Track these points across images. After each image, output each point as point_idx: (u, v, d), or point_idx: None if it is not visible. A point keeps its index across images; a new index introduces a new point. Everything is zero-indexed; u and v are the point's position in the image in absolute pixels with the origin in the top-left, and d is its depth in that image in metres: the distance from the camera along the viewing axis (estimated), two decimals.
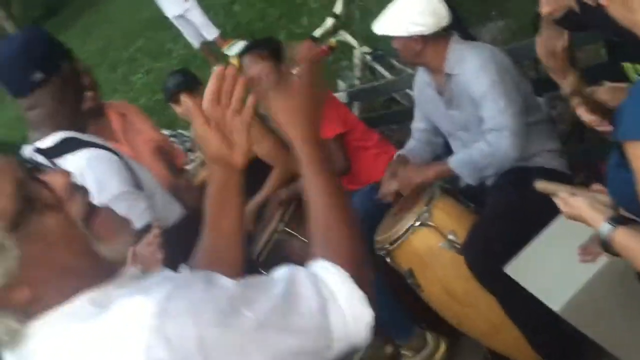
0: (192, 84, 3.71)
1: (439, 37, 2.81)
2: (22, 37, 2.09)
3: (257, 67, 3.33)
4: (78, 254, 1.05)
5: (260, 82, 1.15)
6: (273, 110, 1.27)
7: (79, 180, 1.78)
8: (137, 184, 2.05)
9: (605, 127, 2.03)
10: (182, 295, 0.98)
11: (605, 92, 1.99)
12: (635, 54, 2.16)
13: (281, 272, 1.10)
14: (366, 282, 1.12)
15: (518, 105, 2.70)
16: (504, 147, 2.67)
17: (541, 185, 1.98)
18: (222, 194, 1.34)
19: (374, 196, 3.17)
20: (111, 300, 1.00)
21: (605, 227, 1.55)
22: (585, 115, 2.07)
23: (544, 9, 2.29)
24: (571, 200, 1.70)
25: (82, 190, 1.12)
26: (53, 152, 2.01)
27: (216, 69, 1.28)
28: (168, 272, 1.09)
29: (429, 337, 3.18)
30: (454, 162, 2.79)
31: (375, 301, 1.12)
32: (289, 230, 3.19)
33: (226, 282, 1.04)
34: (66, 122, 2.08)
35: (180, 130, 4.13)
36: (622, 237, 1.51)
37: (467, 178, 2.76)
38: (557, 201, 1.76)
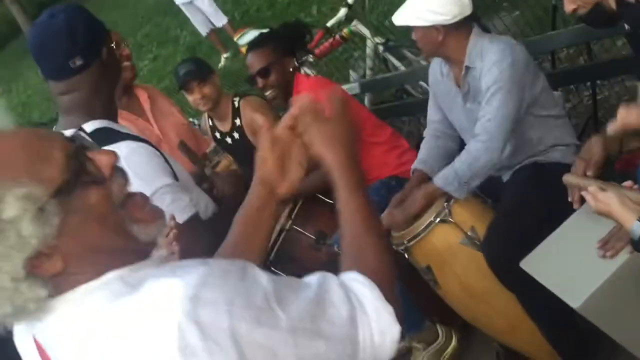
0: (204, 72, 3.68)
1: (461, 28, 2.77)
2: (64, 18, 1.93)
3: (256, 65, 3.36)
4: (113, 232, 1.06)
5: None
6: (312, 135, 1.31)
7: None
8: (176, 177, 2.00)
9: None
10: (217, 284, 0.97)
11: (624, 115, 1.96)
12: None
13: (313, 277, 1.11)
14: (394, 299, 1.13)
15: (512, 108, 2.65)
16: (481, 153, 2.63)
17: (569, 178, 1.96)
18: (258, 216, 1.37)
19: (383, 192, 3.15)
20: (143, 280, 1.00)
21: (636, 226, 1.54)
22: None
23: (568, 7, 2.27)
24: (601, 196, 1.69)
25: (122, 173, 1.14)
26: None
27: (304, 100, 1.33)
28: (201, 259, 1.08)
29: (441, 330, 3.17)
30: (440, 181, 2.75)
31: (402, 318, 1.12)
32: (297, 228, 3.17)
33: (261, 277, 1.04)
34: (101, 109, 2.00)
35: (190, 119, 4.11)
36: None
37: (454, 193, 2.72)
38: (586, 196, 1.75)
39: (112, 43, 2.05)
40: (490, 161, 2.65)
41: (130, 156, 1.87)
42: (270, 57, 3.37)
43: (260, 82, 3.37)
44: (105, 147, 1.85)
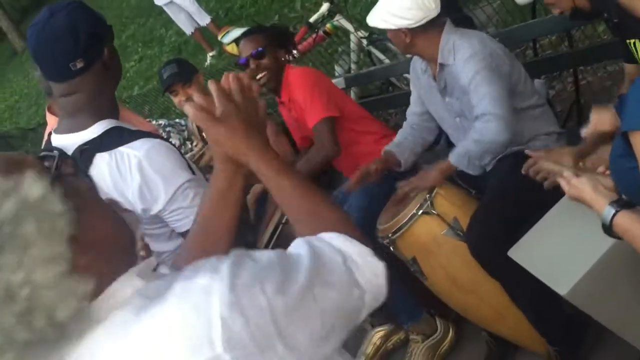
0: (187, 74, 3.68)
1: (429, 29, 2.79)
2: (65, 17, 1.85)
3: (250, 48, 3.38)
4: (122, 232, 1.11)
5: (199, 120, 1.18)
6: (216, 145, 1.30)
7: (139, 172, 1.81)
8: (193, 171, 1.96)
9: None
10: (242, 271, 0.99)
11: (596, 118, 1.98)
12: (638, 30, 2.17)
13: (296, 243, 1.14)
14: (365, 240, 1.17)
15: (502, 92, 2.68)
16: (491, 131, 2.65)
17: (545, 164, 1.98)
18: (225, 195, 1.36)
19: (369, 186, 3.18)
20: (163, 289, 1.00)
21: (607, 211, 1.57)
22: None
23: (554, 10, 2.36)
24: (574, 181, 1.71)
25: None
26: (101, 144, 1.89)
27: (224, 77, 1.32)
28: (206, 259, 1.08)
29: (439, 323, 3.20)
30: (454, 158, 2.77)
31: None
32: None
33: (265, 254, 1.06)
34: (106, 109, 1.96)
35: (177, 120, 4.10)
36: (624, 220, 1.53)
37: (469, 170, 2.74)
38: (561, 181, 1.77)
39: (113, 40, 2.01)
40: (499, 138, 2.66)
41: (149, 154, 1.86)
42: (264, 42, 3.40)
43: (253, 63, 3.38)
44: (121, 147, 1.86)
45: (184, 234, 1.87)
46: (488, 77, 2.67)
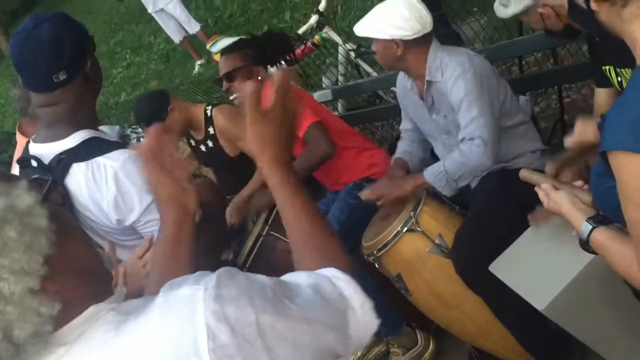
0: (159, 112, 3.55)
1: (420, 44, 2.80)
2: (50, 28, 1.84)
3: (224, 68, 3.38)
4: (94, 253, 1.12)
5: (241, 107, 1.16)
6: (247, 135, 1.29)
7: (115, 182, 1.80)
8: None
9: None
10: (231, 283, 0.99)
11: (581, 129, 1.99)
12: (614, 58, 2.21)
13: (300, 275, 1.13)
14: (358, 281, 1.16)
15: (492, 113, 2.71)
16: (477, 156, 2.67)
17: (525, 174, 2.00)
18: (177, 238, 1.37)
19: (357, 193, 3.19)
20: (139, 306, 1.01)
21: (585, 227, 1.57)
22: None
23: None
24: (553, 195, 1.72)
25: None
26: (78, 154, 1.89)
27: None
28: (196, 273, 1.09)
29: (420, 335, 3.22)
30: (429, 176, 2.78)
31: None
32: (274, 233, 3.19)
33: (258, 275, 1.06)
34: (84, 119, 1.96)
35: None
36: (600, 237, 1.54)
37: (443, 190, 2.76)
38: (539, 192, 1.78)
39: (95, 51, 2.01)
40: (483, 163, 2.69)
41: (125, 165, 1.86)
42: (239, 62, 3.38)
43: (225, 85, 3.39)
44: (98, 157, 1.86)
45: None
46: (479, 99, 2.67)
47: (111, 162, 1.87)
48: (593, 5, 1.39)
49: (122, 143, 1.97)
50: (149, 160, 1.33)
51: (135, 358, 0.95)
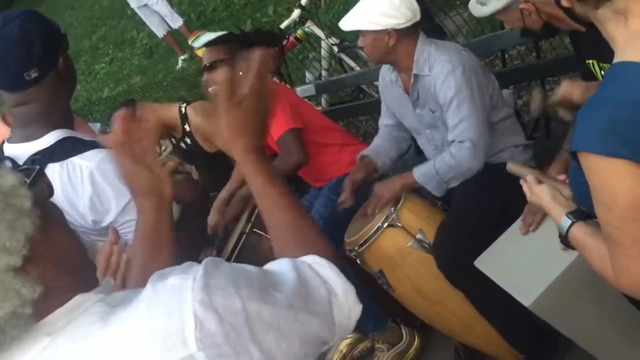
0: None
1: (411, 34, 2.77)
2: (19, 26, 1.81)
3: (206, 59, 3.33)
4: (80, 244, 1.11)
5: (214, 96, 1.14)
6: (221, 124, 1.26)
7: (90, 182, 1.78)
8: None
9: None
10: (218, 273, 0.99)
11: (565, 89, 2.01)
12: (597, 52, 2.20)
13: (281, 263, 1.13)
14: (341, 267, 1.17)
15: (482, 112, 2.70)
16: (469, 158, 2.67)
17: (512, 166, 2.00)
18: (156, 229, 1.37)
19: (332, 195, 3.18)
20: (128, 296, 1.00)
21: (564, 221, 1.57)
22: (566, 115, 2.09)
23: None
24: (535, 188, 1.71)
25: None
26: (53, 154, 1.86)
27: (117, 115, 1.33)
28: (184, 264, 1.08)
29: (405, 331, 3.22)
30: (419, 176, 2.77)
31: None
32: (257, 230, 3.16)
33: (244, 265, 1.06)
34: (59, 119, 1.92)
35: None
36: (579, 232, 1.53)
37: (434, 191, 2.76)
38: (523, 185, 1.77)
39: (68, 49, 1.98)
40: (474, 166, 2.69)
41: (101, 165, 1.83)
42: (221, 55, 3.35)
43: (205, 76, 3.36)
44: (73, 157, 1.83)
45: None
46: (469, 97, 2.66)
47: (86, 162, 1.84)
48: (564, 2, 1.38)
49: (97, 143, 1.93)
50: (119, 149, 1.31)
51: (122, 348, 0.94)
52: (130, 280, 1.40)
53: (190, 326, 0.93)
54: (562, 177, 1.80)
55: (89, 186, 1.82)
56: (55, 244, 1.05)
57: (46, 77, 1.87)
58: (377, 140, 3.19)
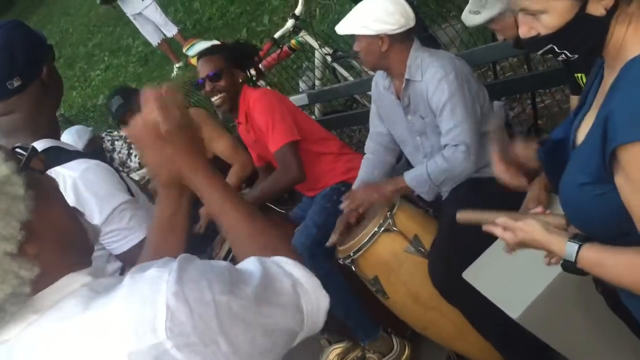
0: (134, 102, 3.61)
1: (404, 40, 2.81)
2: (1, 37, 1.82)
3: (207, 69, 3.38)
4: (76, 222, 1.15)
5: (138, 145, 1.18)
6: (155, 165, 1.30)
7: (73, 192, 1.79)
8: (131, 193, 1.93)
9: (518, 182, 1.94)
10: (191, 267, 1.03)
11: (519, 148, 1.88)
12: (585, 65, 2.21)
13: (249, 261, 1.16)
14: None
15: (474, 117, 2.72)
16: (462, 162, 2.68)
17: (463, 216, 1.86)
18: (173, 218, 1.38)
19: (334, 197, 3.19)
20: (111, 285, 1.04)
21: (570, 247, 1.46)
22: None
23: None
24: (520, 225, 1.57)
25: None
26: None
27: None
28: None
29: (395, 341, 3.22)
30: (411, 180, 2.79)
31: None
32: None
33: (216, 261, 1.10)
34: (44, 128, 1.92)
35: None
36: (590, 252, 1.43)
37: (425, 195, 2.77)
38: (496, 230, 1.63)
39: (54, 59, 1.98)
40: (467, 169, 2.71)
41: (84, 175, 1.83)
42: (221, 64, 3.39)
43: (208, 85, 3.37)
44: (57, 167, 1.83)
45: (120, 256, 1.84)
46: (462, 102, 2.68)
47: (70, 172, 1.83)
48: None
49: (82, 153, 1.94)
50: (152, 134, 1.29)
51: (97, 333, 0.98)
52: (140, 262, 1.42)
53: (162, 316, 0.96)
54: (539, 209, 1.71)
55: (72, 196, 1.81)
56: (51, 222, 1.08)
57: (29, 86, 1.87)
58: (364, 169, 3.18)
